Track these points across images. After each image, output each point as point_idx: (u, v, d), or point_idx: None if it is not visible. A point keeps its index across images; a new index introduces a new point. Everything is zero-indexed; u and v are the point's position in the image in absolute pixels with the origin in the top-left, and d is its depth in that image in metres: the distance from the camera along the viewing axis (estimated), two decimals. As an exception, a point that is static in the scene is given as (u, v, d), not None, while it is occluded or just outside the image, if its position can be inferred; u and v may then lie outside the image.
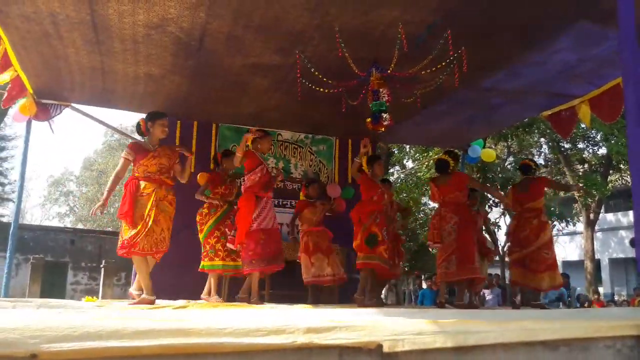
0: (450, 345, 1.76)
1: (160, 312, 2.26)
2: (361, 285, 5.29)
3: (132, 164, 4.63)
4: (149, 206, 4.42)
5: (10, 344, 1.32)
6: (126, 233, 4.41)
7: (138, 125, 4.77)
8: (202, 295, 5.56)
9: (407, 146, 15.58)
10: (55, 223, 36.78)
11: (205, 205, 5.66)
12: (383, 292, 17.00)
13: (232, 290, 5.77)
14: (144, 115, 4.86)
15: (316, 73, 4.77)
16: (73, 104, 6.41)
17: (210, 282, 5.55)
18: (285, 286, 6.11)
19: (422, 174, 14.42)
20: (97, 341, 1.39)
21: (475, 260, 5.27)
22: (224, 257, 5.46)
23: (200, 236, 5.64)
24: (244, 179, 5.28)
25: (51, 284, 17.35)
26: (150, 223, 4.37)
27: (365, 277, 5.27)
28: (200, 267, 5.57)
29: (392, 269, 5.41)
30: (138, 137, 5.17)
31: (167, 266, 5.13)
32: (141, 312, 2.17)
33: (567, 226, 17.66)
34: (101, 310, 2.18)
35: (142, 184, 4.51)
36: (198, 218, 5.68)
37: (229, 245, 5.32)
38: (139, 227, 4.36)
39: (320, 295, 6.04)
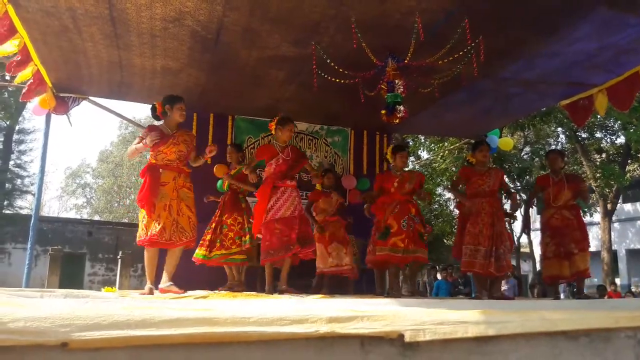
0: (472, 334, 1.77)
1: (185, 301, 2.30)
2: (391, 282, 5.38)
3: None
4: (170, 196, 4.36)
5: (42, 333, 1.36)
6: (150, 225, 4.29)
7: (153, 107, 4.63)
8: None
9: (422, 137, 15.50)
10: (72, 215, 37.27)
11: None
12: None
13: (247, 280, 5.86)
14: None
15: (332, 64, 4.76)
16: (90, 97, 6.49)
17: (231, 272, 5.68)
18: (293, 276, 6.13)
19: (437, 164, 14.36)
20: (126, 330, 1.42)
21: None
22: (228, 247, 5.50)
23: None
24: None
25: (69, 275, 17.62)
26: (174, 215, 4.33)
27: (393, 272, 5.37)
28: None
29: (410, 254, 5.19)
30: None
31: (184, 256, 5.16)
32: (166, 301, 2.21)
33: (584, 216, 17.48)
34: (126, 300, 2.22)
35: (162, 172, 4.44)
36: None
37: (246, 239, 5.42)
38: (163, 220, 4.28)
39: (334, 285, 6.04)
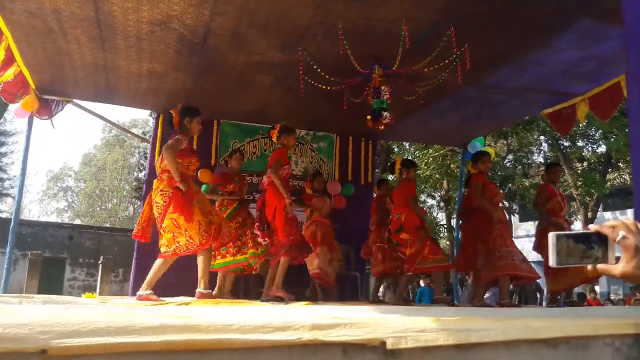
0: (453, 342, 1.78)
1: (167, 308, 2.28)
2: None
3: (177, 155, 4.38)
4: (207, 202, 4.52)
5: (21, 340, 1.34)
6: (194, 232, 4.21)
7: (170, 117, 4.51)
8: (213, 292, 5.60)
9: (407, 143, 15.60)
10: (53, 219, 36.84)
11: (217, 205, 5.68)
12: (381, 289, 17.03)
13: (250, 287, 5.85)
14: (143, 110, 4.82)
15: (319, 70, 4.78)
16: (75, 100, 6.43)
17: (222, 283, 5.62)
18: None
19: (421, 171, 14.43)
20: (107, 337, 1.41)
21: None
22: (234, 254, 5.44)
23: None
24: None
25: (49, 279, 17.36)
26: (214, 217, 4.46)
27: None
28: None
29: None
30: (135, 132, 5.10)
31: (171, 265, 5.12)
32: (147, 308, 2.19)
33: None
34: (107, 306, 2.20)
35: (192, 184, 4.49)
36: None
37: (260, 240, 5.31)
38: (215, 221, 4.38)
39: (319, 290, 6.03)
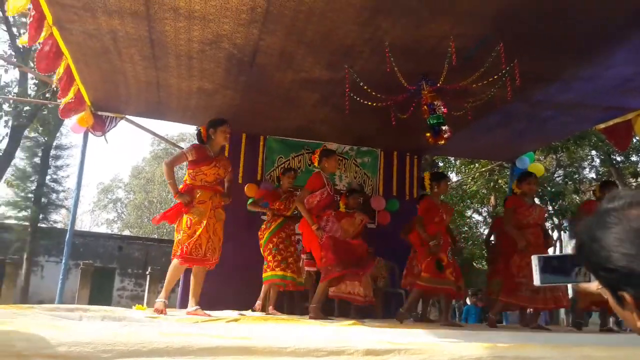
0: (511, 370, 1.73)
1: (218, 327, 2.31)
2: (410, 302, 5.30)
3: (188, 166, 4.64)
4: (208, 214, 4.45)
5: (86, 358, 1.38)
6: (187, 241, 4.38)
7: (199, 133, 4.83)
8: (254, 307, 5.68)
9: (453, 158, 15.38)
10: (103, 229, 37.99)
11: (265, 220, 5.89)
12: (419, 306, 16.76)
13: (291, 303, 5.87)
14: (192, 127, 4.99)
15: (365, 87, 4.78)
16: (127, 116, 6.64)
17: (266, 295, 5.69)
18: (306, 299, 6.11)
19: (467, 186, 14.20)
20: (166, 357, 1.43)
21: None
22: (273, 268, 5.56)
23: (261, 250, 5.81)
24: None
25: (99, 289, 17.90)
26: (210, 233, 4.42)
27: (416, 297, 5.36)
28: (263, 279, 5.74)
29: (459, 290, 5.31)
30: (183, 146, 5.28)
31: (213, 275, 5.19)
32: (201, 327, 2.22)
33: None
34: (161, 324, 2.24)
35: (198, 192, 4.54)
36: (259, 234, 5.90)
37: (308, 268, 5.40)
38: (200, 237, 4.36)
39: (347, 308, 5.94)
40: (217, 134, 4.67)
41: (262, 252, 5.81)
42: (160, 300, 4.42)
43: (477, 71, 4.54)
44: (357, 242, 5.80)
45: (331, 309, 5.84)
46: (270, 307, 5.57)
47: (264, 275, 5.69)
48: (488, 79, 4.61)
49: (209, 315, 4.18)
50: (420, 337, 2.08)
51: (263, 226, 5.90)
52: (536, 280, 1.17)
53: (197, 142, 4.89)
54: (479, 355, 1.73)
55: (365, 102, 4.93)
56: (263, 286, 5.76)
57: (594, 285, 1.04)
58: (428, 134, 4.94)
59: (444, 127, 4.80)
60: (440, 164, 16.21)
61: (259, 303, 5.72)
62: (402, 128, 5.47)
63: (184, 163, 4.76)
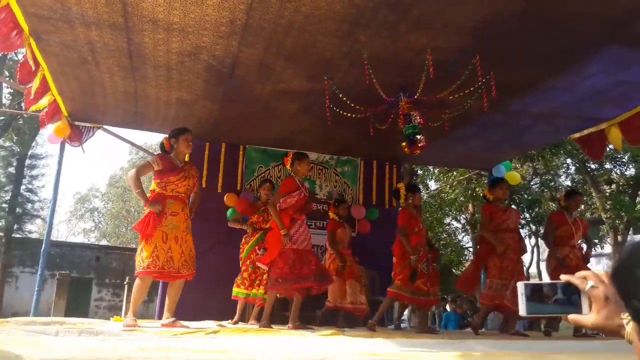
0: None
1: (197, 339, 2.30)
2: (380, 311, 5.42)
3: (154, 176, 4.53)
4: (182, 227, 4.37)
5: (63, 375, 1.37)
6: (154, 254, 4.22)
7: (162, 144, 4.73)
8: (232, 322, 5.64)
9: (431, 167, 15.53)
10: (80, 239, 37.37)
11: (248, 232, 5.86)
12: (405, 313, 16.81)
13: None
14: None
15: (344, 98, 4.82)
16: (105, 126, 6.59)
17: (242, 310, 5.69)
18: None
19: (445, 194, 14.34)
20: (145, 372, 1.43)
21: None
22: (247, 287, 5.53)
23: (240, 262, 5.79)
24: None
25: (76, 300, 17.59)
26: (183, 246, 4.34)
27: (387, 304, 5.45)
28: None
29: (430, 298, 5.38)
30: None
31: (192, 287, 5.16)
32: (179, 340, 2.21)
33: (594, 249, 17.34)
34: (140, 337, 2.22)
35: (170, 202, 4.42)
36: (241, 246, 5.87)
37: (259, 264, 5.32)
38: (172, 251, 4.27)
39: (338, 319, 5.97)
40: (179, 143, 4.59)
41: (240, 265, 5.79)
42: (129, 318, 4.22)
43: (454, 83, 4.62)
44: (349, 252, 5.91)
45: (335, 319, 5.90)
46: (253, 318, 5.55)
47: (235, 290, 5.66)
48: (464, 90, 4.69)
49: (187, 327, 4.11)
50: (398, 347, 2.11)
51: (243, 240, 5.88)
52: (522, 310, 1.06)
53: (161, 153, 4.75)
54: (457, 365, 1.76)
55: (345, 113, 4.98)
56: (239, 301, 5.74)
57: (589, 320, 1.01)
58: (404, 144, 5.01)
59: (418, 137, 4.87)
60: (420, 172, 16.36)
61: (235, 319, 5.66)
62: (381, 138, 5.53)
63: (150, 173, 4.64)
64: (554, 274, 5.52)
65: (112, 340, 1.93)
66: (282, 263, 4.70)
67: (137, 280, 4.36)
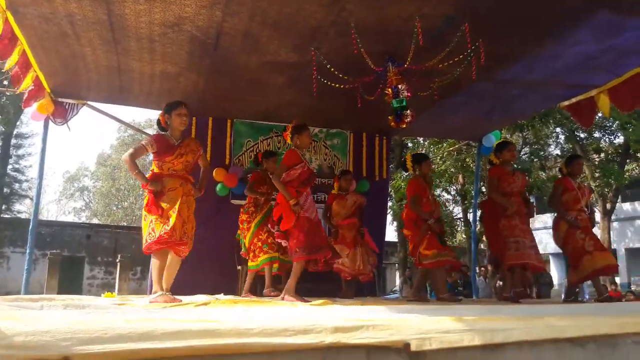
0: (478, 342, 1.76)
1: (186, 311, 2.28)
2: (436, 285, 5.46)
3: (153, 157, 4.45)
4: (180, 200, 4.25)
5: (43, 347, 1.34)
6: (158, 227, 4.18)
7: (158, 121, 4.60)
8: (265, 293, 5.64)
9: (421, 138, 15.51)
10: (70, 218, 37.29)
11: (250, 204, 5.78)
12: (398, 284, 16.93)
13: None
14: (158, 112, 4.80)
15: (332, 69, 4.75)
16: (89, 102, 6.46)
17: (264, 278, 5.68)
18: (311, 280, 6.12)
19: (436, 166, 14.35)
20: (128, 343, 1.41)
21: None
22: (277, 250, 5.51)
23: (247, 235, 5.69)
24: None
25: (68, 278, 17.60)
26: (184, 218, 4.25)
27: (436, 275, 5.40)
28: (249, 267, 5.65)
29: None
30: (150, 132, 5.06)
31: (184, 261, 5.11)
32: (167, 311, 2.19)
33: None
34: (127, 310, 2.20)
35: (167, 180, 4.33)
36: (245, 217, 5.78)
37: (280, 241, 5.26)
38: (174, 221, 4.14)
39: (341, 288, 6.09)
40: (172, 118, 4.43)
41: (248, 236, 5.68)
42: (159, 293, 4.19)
43: (443, 51, 4.56)
44: (346, 222, 5.94)
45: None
46: (268, 286, 5.56)
47: (263, 257, 5.54)
48: (454, 58, 4.63)
49: (179, 300, 4.10)
50: (388, 313, 2.10)
51: (251, 209, 5.75)
52: None
53: (158, 131, 4.65)
54: (447, 328, 1.75)
55: (333, 84, 4.91)
56: (249, 273, 5.71)
57: None
58: (390, 118, 4.96)
59: (405, 112, 4.82)
60: (410, 145, 16.34)
61: (267, 290, 5.65)
62: (370, 109, 5.48)
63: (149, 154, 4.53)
64: (568, 236, 5.46)
65: (97, 313, 1.91)
66: (297, 232, 4.60)
67: (153, 258, 4.36)
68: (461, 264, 5.57)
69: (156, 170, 4.43)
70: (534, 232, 5.80)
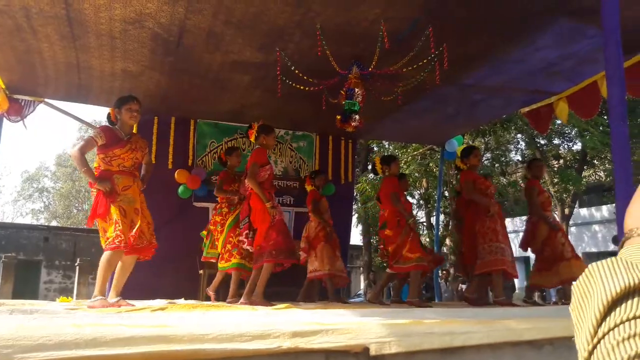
0: (437, 346, 1.75)
1: (140, 316, 2.20)
2: (412, 288, 5.39)
3: (97, 150, 4.18)
4: (138, 199, 4.11)
5: (-18, 355, 1.26)
6: (127, 230, 3.97)
7: (108, 115, 4.40)
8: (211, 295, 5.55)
9: (387, 142, 15.62)
10: (28, 220, 36.13)
11: (223, 205, 5.60)
12: (362, 287, 16.97)
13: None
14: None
15: (297, 71, 4.71)
16: (47, 100, 6.25)
17: (220, 282, 5.58)
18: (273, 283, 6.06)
19: (401, 169, 14.47)
20: (75, 350, 1.34)
21: None
22: (244, 256, 5.36)
23: (221, 237, 5.50)
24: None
25: (24, 283, 17.03)
26: (147, 218, 4.13)
27: (415, 278, 5.37)
28: (221, 268, 5.48)
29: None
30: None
31: (145, 265, 4.98)
32: (119, 316, 2.10)
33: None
34: (77, 315, 2.11)
35: (119, 178, 4.12)
36: (218, 218, 5.60)
37: (247, 247, 5.17)
38: (138, 224, 4.00)
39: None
40: (123, 113, 4.23)
41: (222, 237, 5.50)
42: (98, 298, 3.94)
43: (408, 55, 4.58)
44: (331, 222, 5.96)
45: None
46: (232, 296, 5.41)
47: (232, 261, 5.34)
48: (418, 63, 4.66)
49: (132, 305, 3.93)
50: (348, 317, 2.07)
51: (224, 210, 5.60)
52: None
53: (105, 125, 4.43)
54: (406, 332, 1.73)
55: (298, 86, 4.87)
56: (218, 273, 5.57)
57: None
58: (338, 117, 4.95)
59: (354, 116, 4.83)
60: (375, 148, 16.44)
61: (212, 294, 5.55)
62: (336, 112, 5.45)
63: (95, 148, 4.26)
64: (549, 238, 5.48)
65: (45, 318, 1.82)
66: (275, 234, 4.52)
67: (103, 257, 4.03)
68: (428, 269, 5.57)
69: (103, 166, 4.16)
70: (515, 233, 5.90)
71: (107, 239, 4.01)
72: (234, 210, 5.56)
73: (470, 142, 15.18)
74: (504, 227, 5.38)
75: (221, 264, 5.46)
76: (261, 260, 4.57)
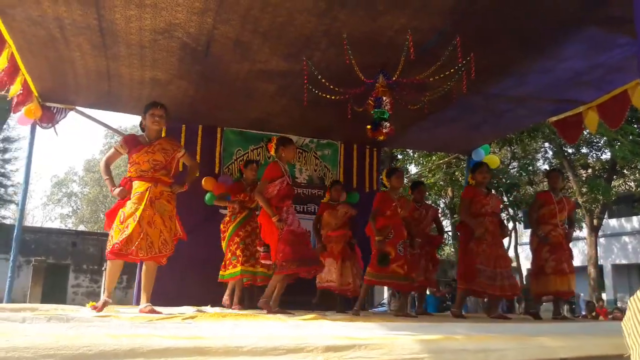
0: (470, 363, 1.72)
1: (172, 325, 2.21)
2: (360, 297, 5.42)
3: (128, 158, 4.27)
4: (141, 207, 4.03)
5: (23, 364, 1.29)
6: (116, 236, 4.00)
7: (140, 123, 4.47)
8: (223, 302, 5.59)
9: (411, 150, 15.55)
10: (57, 224, 36.84)
11: (228, 214, 5.77)
12: (386, 297, 16.87)
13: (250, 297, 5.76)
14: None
15: (323, 80, 4.72)
16: (77, 107, 6.39)
17: (233, 290, 5.62)
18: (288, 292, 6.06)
19: (425, 178, 14.38)
20: (112, 360, 1.35)
21: None
22: (243, 262, 5.45)
23: (223, 244, 5.69)
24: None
25: (52, 286, 17.32)
26: (144, 226, 4.01)
27: (365, 291, 5.48)
28: (219, 277, 5.59)
29: (408, 282, 5.29)
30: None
31: (170, 271, 5.01)
32: (153, 326, 2.12)
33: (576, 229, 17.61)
34: (111, 324, 2.13)
35: (135, 184, 4.14)
36: (222, 227, 5.78)
37: (264, 261, 5.26)
38: (130, 231, 3.95)
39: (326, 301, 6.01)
40: (147, 118, 4.28)
41: (224, 245, 5.71)
42: (102, 299, 4.04)
43: (434, 65, 4.56)
44: (337, 233, 5.87)
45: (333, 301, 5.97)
46: (235, 303, 5.49)
47: (232, 270, 5.53)
48: (445, 72, 4.63)
49: (161, 313, 3.95)
50: (379, 331, 2.06)
51: (227, 219, 5.78)
52: None
53: (130, 133, 4.54)
54: (441, 348, 1.71)
55: (323, 94, 4.88)
56: (229, 283, 5.67)
57: None
58: (368, 127, 4.95)
59: (384, 123, 4.82)
60: (400, 157, 16.37)
61: (226, 298, 5.63)
62: (360, 120, 5.44)
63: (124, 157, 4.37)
64: (537, 251, 5.63)
65: (81, 327, 1.84)
66: (283, 245, 4.54)
67: (108, 262, 4.19)
68: (409, 286, 5.43)
69: (127, 174, 4.25)
70: (521, 247, 5.88)
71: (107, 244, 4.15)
72: (234, 219, 5.66)
73: (497, 151, 15.03)
74: (499, 245, 5.48)
75: (221, 272, 5.58)
76: (277, 270, 4.65)
